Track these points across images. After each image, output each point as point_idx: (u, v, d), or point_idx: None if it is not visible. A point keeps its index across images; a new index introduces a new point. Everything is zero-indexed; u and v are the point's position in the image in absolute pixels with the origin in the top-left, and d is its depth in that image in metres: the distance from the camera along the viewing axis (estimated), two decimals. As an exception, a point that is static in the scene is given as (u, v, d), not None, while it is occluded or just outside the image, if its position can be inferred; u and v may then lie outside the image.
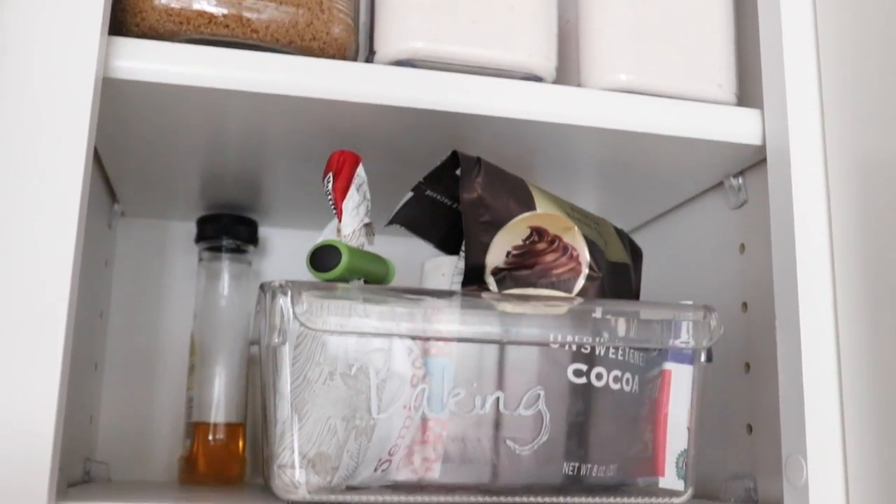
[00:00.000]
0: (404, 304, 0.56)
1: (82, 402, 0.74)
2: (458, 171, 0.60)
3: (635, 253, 0.70)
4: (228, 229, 0.82)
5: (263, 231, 0.88)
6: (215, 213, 0.83)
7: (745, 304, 0.71)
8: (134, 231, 0.87)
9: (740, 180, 0.72)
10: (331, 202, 0.62)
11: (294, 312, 0.54)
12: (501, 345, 0.58)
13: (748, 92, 0.68)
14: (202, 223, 0.83)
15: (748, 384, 0.70)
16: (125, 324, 0.85)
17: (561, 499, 0.58)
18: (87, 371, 0.75)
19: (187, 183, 0.79)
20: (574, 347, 0.58)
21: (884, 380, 0.57)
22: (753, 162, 0.69)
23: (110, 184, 0.79)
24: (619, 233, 0.69)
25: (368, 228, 0.62)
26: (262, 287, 0.56)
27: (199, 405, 0.78)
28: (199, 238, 0.83)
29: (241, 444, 0.79)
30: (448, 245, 0.66)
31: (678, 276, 0.80)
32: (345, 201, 0.61)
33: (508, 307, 0.58)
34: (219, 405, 0.78)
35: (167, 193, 0.81)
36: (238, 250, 0.83)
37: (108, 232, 0.82)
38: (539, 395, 0.58)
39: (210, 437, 0.78)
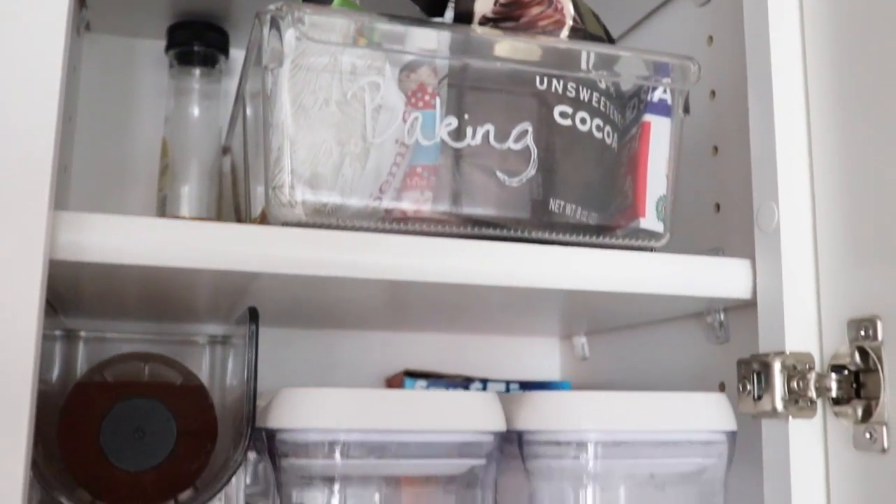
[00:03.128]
0: (400, 27, 0.57)
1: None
2: (447, -81, 0.61)
3: (609, 37, 0.72)
4: (200, 35, 0.82)
5: (235, 53, 0.88)
6: (186, 20, 0.83)
7: (713, 93, 0.73)
8: (102, 48, 0.86)
9: (709, -24, 0.75)
10: (318, -43, 0.62)
11: (297, 30, 0.55)
12: (491, 81, 0.59)
13: None
14: (173, 30, 0.83)
15: (716, 166, 0.73)
16: (94, 131, 0.84)
17: (547, 234, 0.60)
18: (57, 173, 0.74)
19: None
20: (560, 88, 0.60)
21: (849, 134, 0.60)
22: (724, -49, 0.72)
23: (80, -17, 0.78)
24: (595, 14, 0.71)
25: (356, -14, 0.63)
26: (257, 15, 0.57)
27: (171, 201, 0.78)
28: (170, 45, 0.83)
29: (214, 244, 0.79)
30: (433, 9, 0.67)
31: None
32: (333, -45, 0.62)
33: (498, 40, 0.59)
34: (191, 200, 0.78)
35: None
36: (209, 60, 0.83)
37: (77, 38, 0.81)
38: (527, 130, 0.59)
39: (184, 234, 0.77)
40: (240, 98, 0.68)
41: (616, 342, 0.85)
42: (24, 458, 0.46)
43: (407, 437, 0.56)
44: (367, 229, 0.57)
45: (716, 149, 0.73)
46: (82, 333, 0.79)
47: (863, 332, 0.57)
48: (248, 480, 0.68)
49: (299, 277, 0.55)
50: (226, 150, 0.82)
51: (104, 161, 0.84)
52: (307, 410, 0.55)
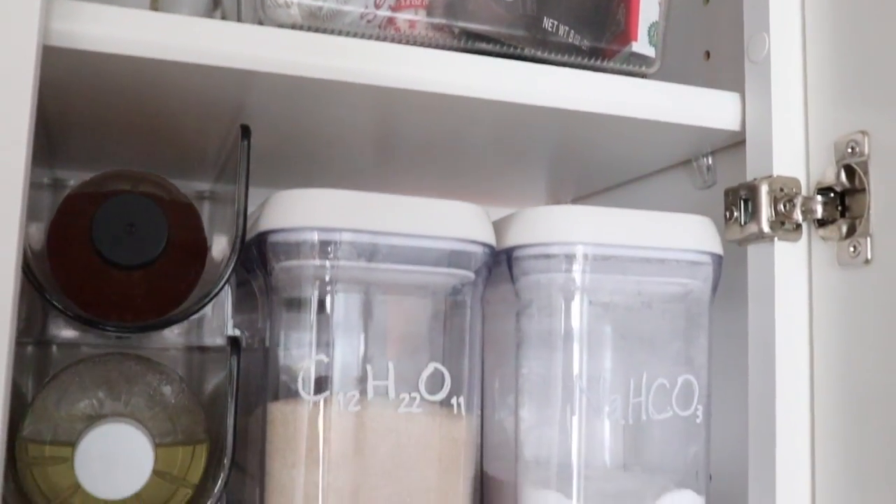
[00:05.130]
0: None
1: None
2: None
3: None
4: None
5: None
6: None
7: (705, -58, 0.74)
8: None
9: None
10: None
11: None
12: None
13: None
14: None
15: (707, 14, 0.73)
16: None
17: (539, 52, 0.60)
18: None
19: None
20: None
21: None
22: None
23: None
24: None
25: None
26: None
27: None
28: None
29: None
30: None
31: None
32: None
33: None
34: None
35: None
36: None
37: None
38: (523, -55, 0.59)
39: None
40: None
41: (602, 205, 0.85)
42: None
43: (398, 240, 0.56)
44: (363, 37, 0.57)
45: (707, -2, 0.73)
46: (71, 182, 0.79)
47: (849, 150, 0.58)
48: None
49: (292, 80, 0.55)
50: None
51: None
52: (300, 210, 0.55)
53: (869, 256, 0.56)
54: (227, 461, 0.58)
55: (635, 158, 0.74)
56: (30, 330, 0.65)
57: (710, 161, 0.71)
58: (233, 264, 0.58)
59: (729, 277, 0.64)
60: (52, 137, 0.72)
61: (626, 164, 0.76)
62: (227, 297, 0.63)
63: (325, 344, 0.55)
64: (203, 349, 0.69)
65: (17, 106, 0.48)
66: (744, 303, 0.62)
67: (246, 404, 0.61)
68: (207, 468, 0.62)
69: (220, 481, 0.59)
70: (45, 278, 0.57)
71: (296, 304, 0.56)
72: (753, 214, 0.61)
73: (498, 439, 0.65)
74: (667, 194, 0.76)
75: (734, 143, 0.67)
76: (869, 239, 0.56)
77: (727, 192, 0.63)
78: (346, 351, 0.56)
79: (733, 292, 0.64)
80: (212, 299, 0.58)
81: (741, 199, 0.62)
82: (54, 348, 0.67)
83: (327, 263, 0.55)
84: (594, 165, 0.77)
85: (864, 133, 0.57)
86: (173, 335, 0.68)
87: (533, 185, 0.84)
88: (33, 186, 0.66)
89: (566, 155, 0.74)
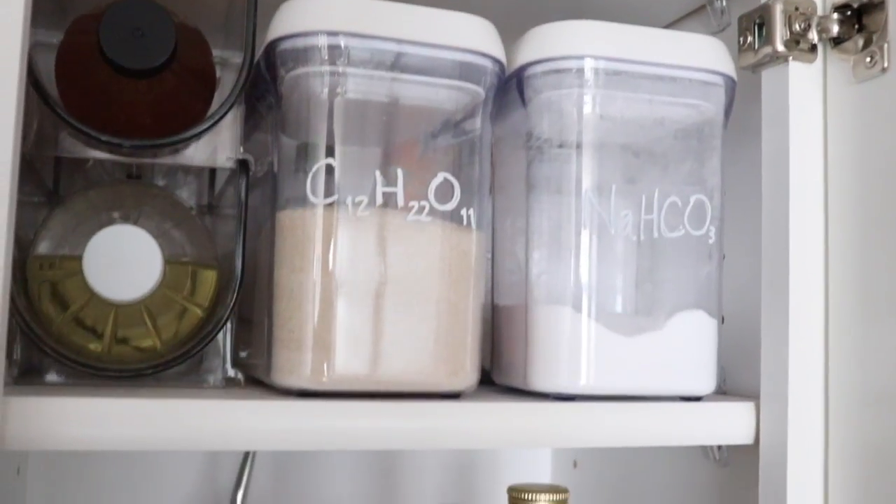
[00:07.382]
0: None
1: None
2: None
3: None
4: None
5: None
6: None
7: None
8: None
9: None
10: None
11: None
12: None
13: None
14: None
15: None
16: None
17: None
18: None
19: None
20: None
21: None
22: None
23: None
24: None
25: None
26: None
27: None
28: None
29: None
30: None
31: None
32: None
33: None
34: None
35: None
36: None
37: None
38: None
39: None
40: None
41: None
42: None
43: (408, 48, 0.55)
44: None
45: None
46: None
47: (867, -39, 0.57)
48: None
49: None
50: None
51: None
52: (310, 15, 0.55)
53: (886, 64, 0.55)
54: (237, 278, 0.58)
55: (649, 5, 0.73)
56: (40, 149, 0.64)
57: (724, 3, 0.70)
58: (244, 78, 0.58)
59: (743, 114, 0.63)
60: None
61: (640, 14, 0.75)
62: (236, 123, 0.62)
63: (333, 149, 0.55)
64: (212, 190, 0.69)
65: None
66: (757, 139, 0.61)
67: (254, 244, 0.61)
68: (217, 297, 0.62)
69: (230, 301, 0.59)
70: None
71: (305, 112, 0.56)
72: (768, 37, 0.60)
73: (511, 274, 0.64)
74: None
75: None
76: (886, 46, 0.55)
77: (741, 19, 0.62)
78: (355, 157, 0.55)
79: (747, 130, 0.63)
80: (224, 115, 0.58)
81: (755, 23, 0.61)
82: (63, 184, 0.66)
83: (337, 69, 0.55)
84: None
85: (884, -62, 0.56)
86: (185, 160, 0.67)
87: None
88: (44, 47, 0.66)
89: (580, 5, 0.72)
